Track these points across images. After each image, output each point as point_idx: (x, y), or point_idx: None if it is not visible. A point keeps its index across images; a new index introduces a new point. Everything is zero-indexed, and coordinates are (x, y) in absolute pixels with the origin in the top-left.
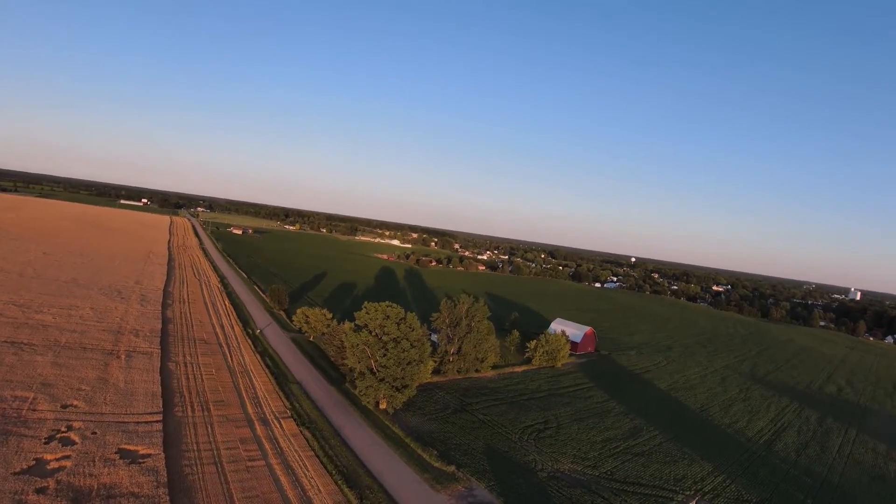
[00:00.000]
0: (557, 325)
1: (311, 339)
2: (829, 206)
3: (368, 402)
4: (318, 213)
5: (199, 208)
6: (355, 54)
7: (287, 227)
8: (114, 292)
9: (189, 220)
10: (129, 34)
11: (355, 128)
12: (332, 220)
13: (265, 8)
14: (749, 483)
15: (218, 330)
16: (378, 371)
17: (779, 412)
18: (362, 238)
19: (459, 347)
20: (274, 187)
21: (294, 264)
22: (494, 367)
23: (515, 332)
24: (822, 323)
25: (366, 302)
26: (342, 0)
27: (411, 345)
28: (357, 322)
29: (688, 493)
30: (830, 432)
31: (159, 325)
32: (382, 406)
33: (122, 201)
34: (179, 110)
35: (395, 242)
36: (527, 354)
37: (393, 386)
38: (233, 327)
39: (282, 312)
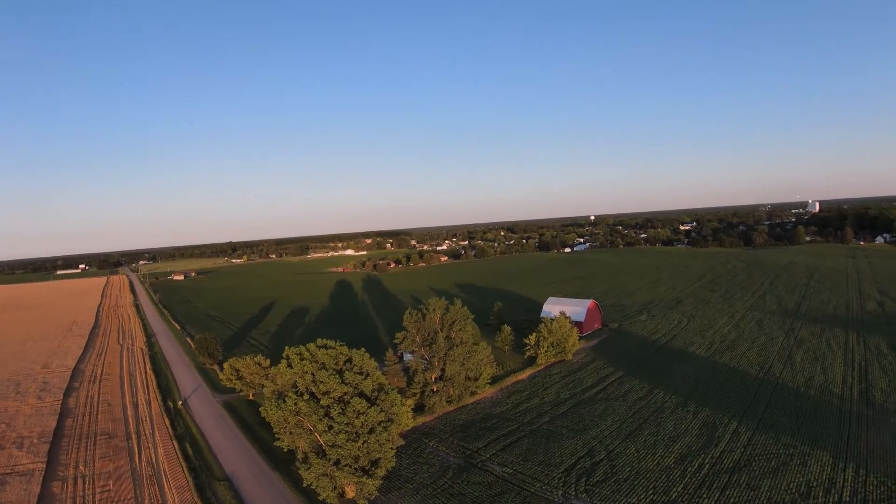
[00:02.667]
0: (553, 307)
1: (250, 396)
2: (759, 123)
3: (328, 497)
4: (266, 241)
5: (141, 262)
6: (263, 67)
7: (234, 261)
8: (10, 386)
9: (128, 276)
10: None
11: (301, 144)
12: (282, 244)
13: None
14: None
15: (130, 413)
16: (327, 451)
17: (845, 350)
18: (315, 255)
19: (442, 371)
20: (218, 224)
21: (239, 301)
22: (493, 380)
23: (506, 327)
24: (807, 238)
25: (287, 348)
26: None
27: (369, 401)
28: (276, 384)
29: None
30: None
31: (54, 424)
32: (350, 495)
33: (59, 272)
34: (101, 167)
35: (350, 252)
36: (527, 352)
37: (355, 468)
38: (150, 404)
39: (214, 367)
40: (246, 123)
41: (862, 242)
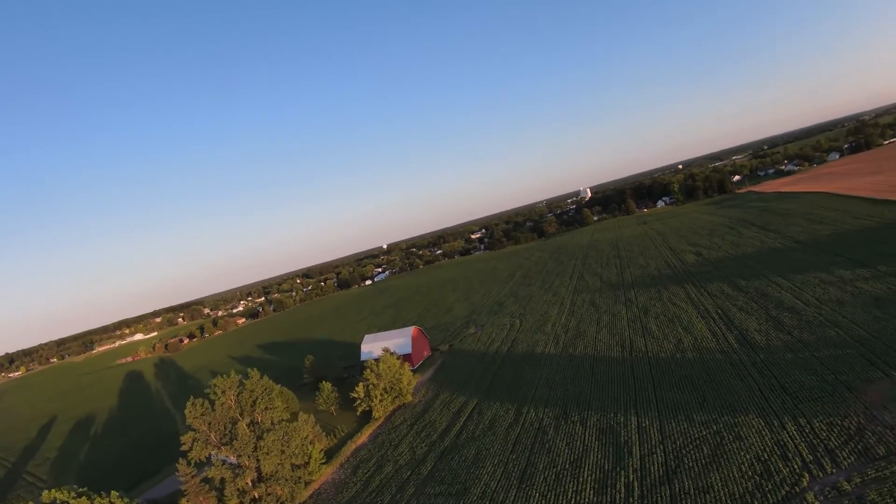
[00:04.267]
0: (372, 345)
1: None
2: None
3: None
4: (46, 344)
5: None
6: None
7: (11, 375)
8: None
9: None
10: None
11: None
12: (63, 345)
13: None
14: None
15: None
16: None
17: (695, 305)
18: (102, 349)
19: (258, 470)
20: None
21: (12, 426)
22: (327, 457)
23: (325, 384)
24: (595, 218)
25: None
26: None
27: None
28: None
29: None
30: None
31: None
32: None
33: None
34: None
35: (139, 336)
36: (359, 407)
37: None
38: None
39: None
40: None
41: (646, 210)
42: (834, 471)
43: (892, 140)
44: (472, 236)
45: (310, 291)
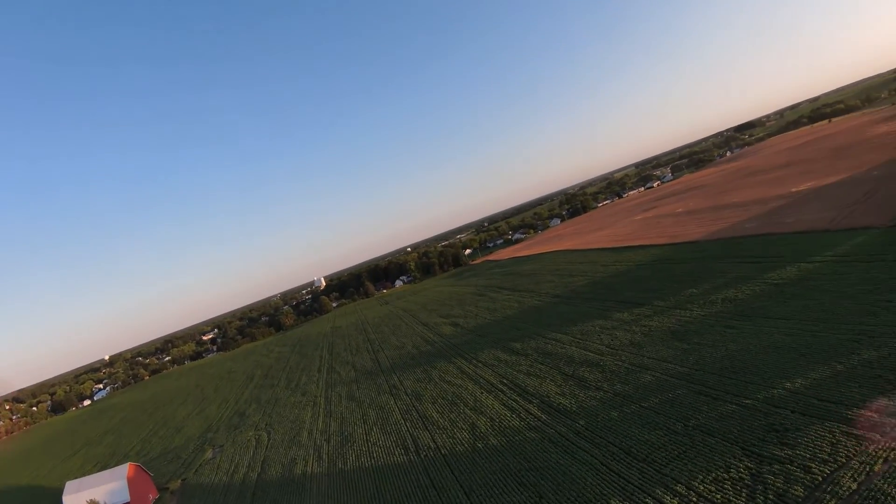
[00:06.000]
0: (76, 497)
1: None
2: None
3: None
4: None
5: None
6: None
7: None
8: None
9: None
10: None
11: None
12: None
13: None
14: None
15: None
16: None
17: (473, 380)
18: None
19: None
20: None
21: None
22: None
23: None
24: (335, 304)
25: None
26: None
27: None
28: None
29: None
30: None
31: None
32: None
33: None
34: None
35: None
36: None
37: None
38: None
39: None
40: None
41: (385, 290)
42: None
43: (604, 202)
44: (204, 337)
45: (19, 419)
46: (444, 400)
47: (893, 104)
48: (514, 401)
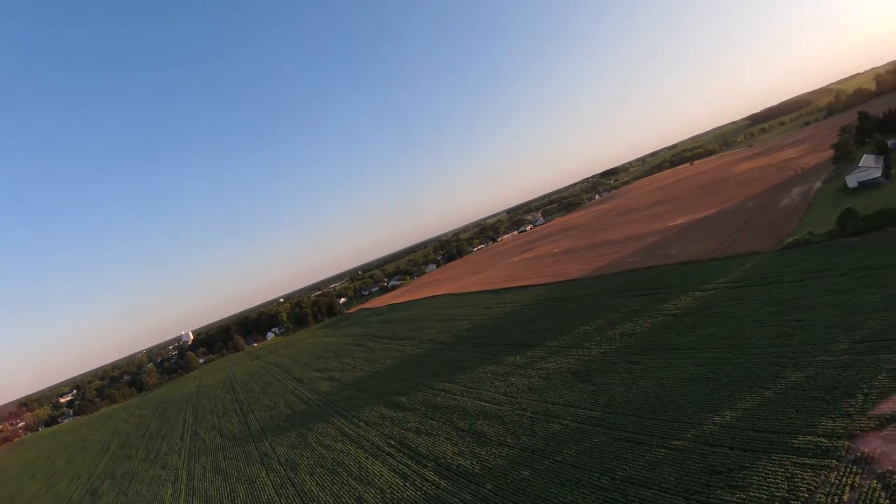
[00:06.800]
0: None
1: None
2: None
3: None
4: None
5: None
6: None
7: None
8: None
9: None
10: None
11: None
12: None
13: None
14: None
15: None
16: None
17: (357, 442)
18: None
19: None
20: None
21: None
22: None
23: None
24: (202, 360)
25: None
26: None
27: None
28: None
29: None
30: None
31: None
32: None
33: None
34: None
35: None
36: None
37: None
38: None
39: None
40: None
41: (256, 344)
42: None
43: (479, 247)
44: (62, 399)
45: None
46: (324, 469)
47: (751, 146)
48: (406, 465)
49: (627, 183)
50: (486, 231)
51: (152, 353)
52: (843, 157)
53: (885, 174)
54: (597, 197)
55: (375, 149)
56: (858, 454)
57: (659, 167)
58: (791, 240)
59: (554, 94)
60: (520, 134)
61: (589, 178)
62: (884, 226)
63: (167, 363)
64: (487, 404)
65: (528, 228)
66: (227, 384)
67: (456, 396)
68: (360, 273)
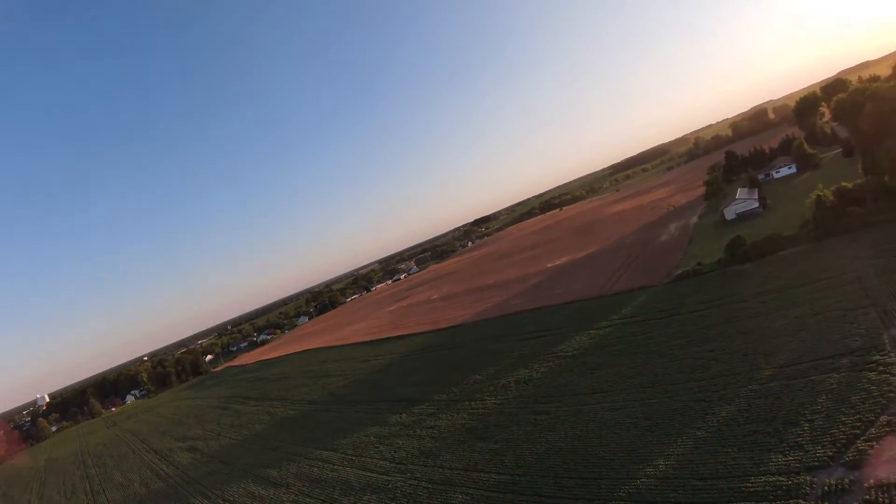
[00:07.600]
0: None
1: None
2: None
3: None
4: None
5: None
6: None
7: None
8: None
9: None
10: None
11: None
12: None
13: None
14: None
15: None
16: None
17: None
18: None
19: None
20: None
21: None
22: None
23: None
24: (54, 428)
25: None
26: None
27: None
28: None
29: None
30: None
31: None
32: None
33: None
34: None
35: None
36: None
37: None
38: None
39: None
40: None
41: (114, 408)
42: None
43: (353, 297)
44: None
45: None
46: None
47: (618, 190)
48: None
49: (500, 229)
50: (359, 281)
51: (5, 419)
52: (715, 194)
53: (762, 205)
54: (470, 244)
55: (232, 202)
56: (825, 487)
57: (529, 214)
58: (680, 271)
59: (416, 147)
60: (384, 186)
61: (460, 226)
62: (773, 251)
63: (18, 431)
64: (374, 474)
65: (402, 277)
66: (78, 457)
67: (336, 467)
68: (229, 328)
